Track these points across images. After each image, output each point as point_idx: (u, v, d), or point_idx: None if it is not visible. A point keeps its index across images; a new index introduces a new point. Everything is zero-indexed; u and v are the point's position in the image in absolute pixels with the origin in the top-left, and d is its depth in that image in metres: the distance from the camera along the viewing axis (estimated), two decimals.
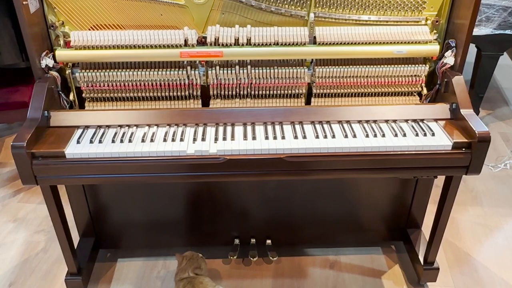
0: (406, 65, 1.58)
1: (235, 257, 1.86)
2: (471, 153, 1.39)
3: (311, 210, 1.88)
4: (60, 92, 1.55)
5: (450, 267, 1.91)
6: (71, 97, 1.59)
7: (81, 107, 1.61)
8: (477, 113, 2.85)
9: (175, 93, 1.59)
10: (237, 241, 1.91)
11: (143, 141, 1.41)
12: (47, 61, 1.50)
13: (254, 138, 1.42)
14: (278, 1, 1.53)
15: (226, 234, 1.92)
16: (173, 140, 1.41)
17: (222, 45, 1.51)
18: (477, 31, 2.51)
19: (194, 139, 1.41)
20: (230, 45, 1.51)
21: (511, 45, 2.63)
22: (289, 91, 1.60)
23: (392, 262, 1.94)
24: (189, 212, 1.87)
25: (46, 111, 1.45)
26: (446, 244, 2.02)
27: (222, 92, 1.59)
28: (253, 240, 1.92)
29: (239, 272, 1.89)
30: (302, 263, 1.93)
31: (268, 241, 1.92)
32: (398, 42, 1.54)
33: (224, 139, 1.42)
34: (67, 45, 1.53)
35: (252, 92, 1.59)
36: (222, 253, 1.91)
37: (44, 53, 1.49)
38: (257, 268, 1.90)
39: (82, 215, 1.83)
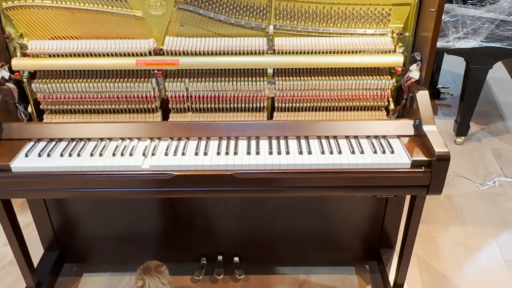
0: (370, 78, 1.53)
1: (200, 277, 1.81)
2: (431, 172, 1.33)
3: (281, 227, 1.82)
4: (17, 104, 1.53)
5: None
6: (29, 109, 1.57)
7: (41, 120, 1.59)
8: (467, 127, 2.77)
9: (133, 106, 1.56)
10: (203, 258, 1.86)
11: (91, 155, 1.37)
12: (2, 73, 1.48)
13: (205, 153, 1.38)
14: (238, 13, 1.50)
15: (194, 251, 1.87)
16: (122, 154, 1.37)
17: (179, 53, 1.48)
18: (464, 44, 2.44)
19: (144, 154, 1.37)
20: (187, 54, 1.48)
21: (500, 58, 2.55)
22: (250, 105, 1.56)
23: (364, 283, 1.86)
24: (156, 228, 1.83)
25: None
26: (422, 264, 1.94)
27: (181, 106, 1.56)
28: (220, 257, 1.86)
29: None
30: (271, 282, 1.87)
31: (236, 259, 1.86)
32: (360, 51, 1.50)
33: (175, 154, 1.38)
34: (24, 56, 1.51)
35: (212, 106, 1.56)
36: (189, 270, 1.85)
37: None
38: (223, 286, 1.84)
39: (45, 229, 1.80)
